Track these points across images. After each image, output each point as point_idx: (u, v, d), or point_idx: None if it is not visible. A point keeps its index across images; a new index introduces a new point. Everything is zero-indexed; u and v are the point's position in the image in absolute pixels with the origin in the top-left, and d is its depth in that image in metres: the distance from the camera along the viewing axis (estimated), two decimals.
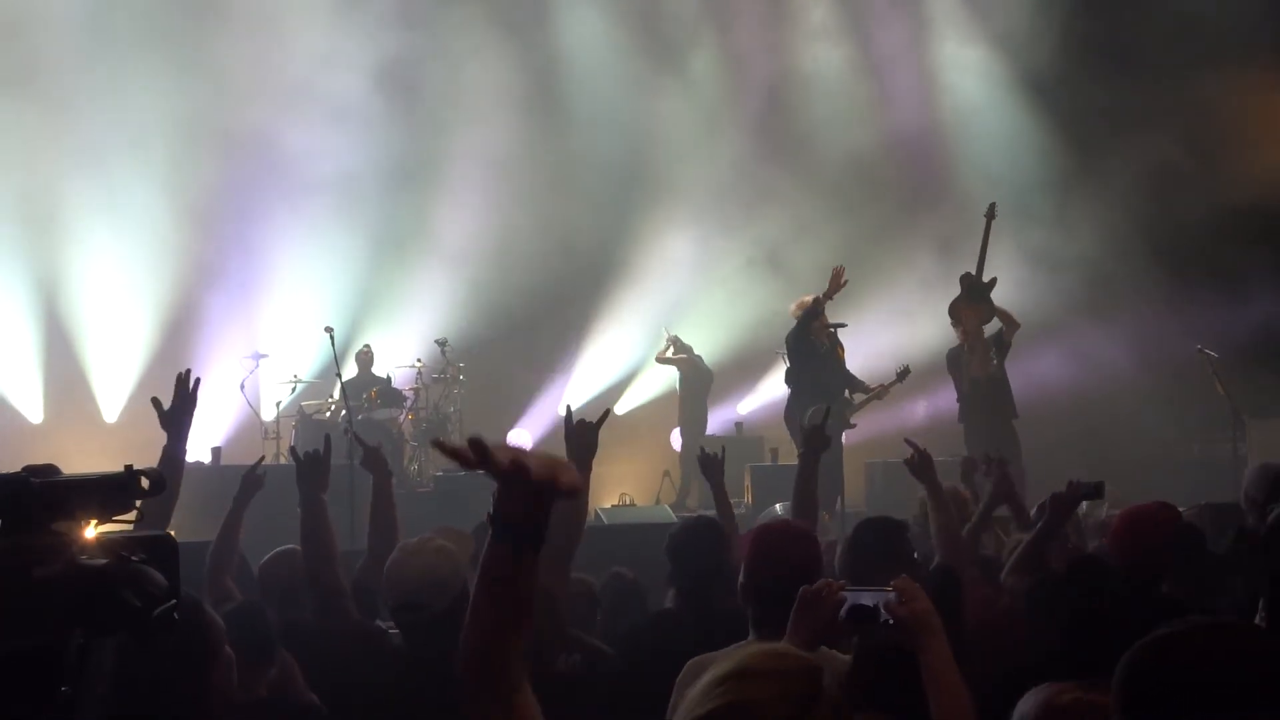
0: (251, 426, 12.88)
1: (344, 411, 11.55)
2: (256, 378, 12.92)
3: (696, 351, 14.12)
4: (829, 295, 10.20)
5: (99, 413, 13.13)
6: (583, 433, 4.04)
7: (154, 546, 1.53)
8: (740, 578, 3.39)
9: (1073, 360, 13.69)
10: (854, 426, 10.70)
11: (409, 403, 13.01)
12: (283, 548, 4.60)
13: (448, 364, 13.22)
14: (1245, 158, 13.29)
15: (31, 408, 13.24)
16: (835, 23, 15.26)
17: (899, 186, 14.76)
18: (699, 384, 13.87)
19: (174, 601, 1.51)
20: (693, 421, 13.73)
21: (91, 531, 1.51)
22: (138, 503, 1.55)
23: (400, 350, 13.46)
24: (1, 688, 1.43)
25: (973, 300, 10.53)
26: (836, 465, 9.74)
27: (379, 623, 4.12)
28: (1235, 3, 13.03)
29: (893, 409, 12.44)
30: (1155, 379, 13.21)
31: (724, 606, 3.82)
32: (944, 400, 11.62)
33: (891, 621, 2.57)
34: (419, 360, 13.34)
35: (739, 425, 14.29)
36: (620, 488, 13.21)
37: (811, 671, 1.50)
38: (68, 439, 11.99)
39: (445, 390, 13.33)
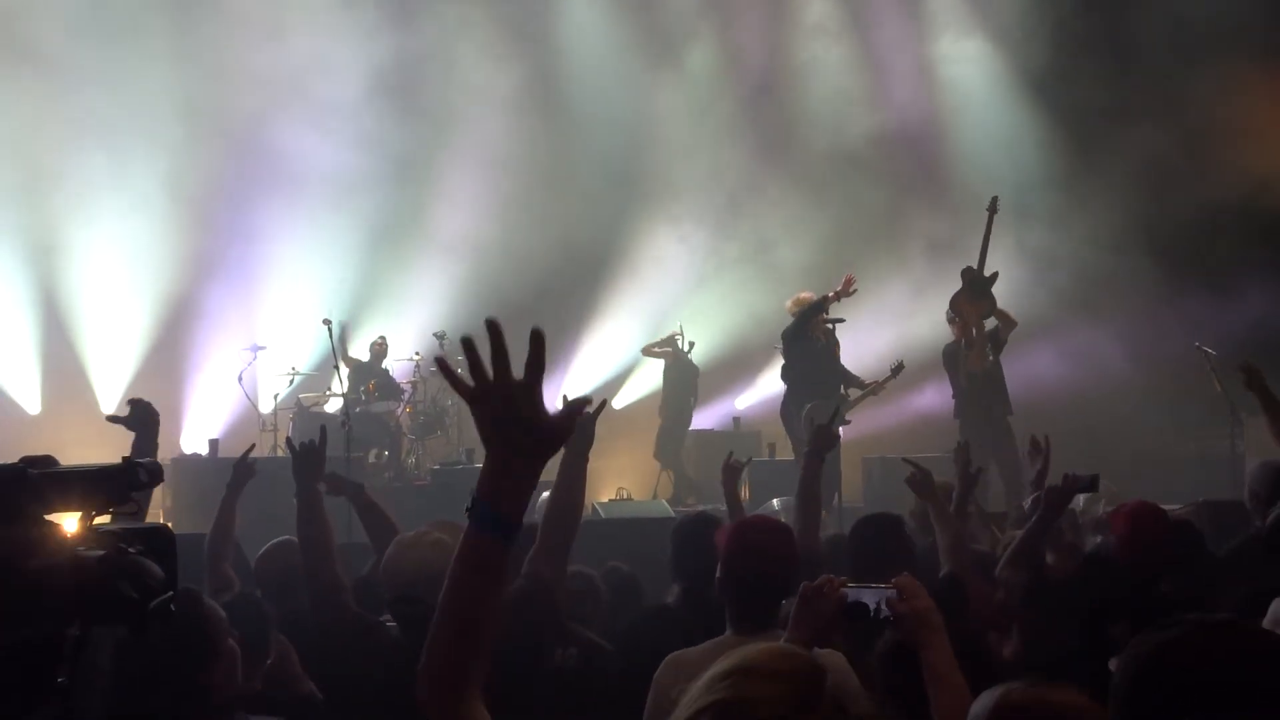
0: (249, 418, 12.88)
1: (341, 404, 11.56)
2: (254, 369, 12.91)
3: (687, 346, 14.03)
4: (837, 297, 10.20)
5: (97, 404, 13.12)
6: (580, 423, 4.04)
7: (151, 538, 1.53)
8: (718, 572, 3.41)
9: (1069, 357, 13.69)
10: (848, 423, 10.70)
11: (406, 395, 13.01)
12: (280, 539, 4.61)
13: (446, 357, 13.19)
14: (1241, 155, 13.28)
15: (29, 399, 13.24)
16: (833, 19, 15.26)
17: (895, 182, 14.75)
18: (680, 376, 13.77)
19: (171, 593, 1.50)
20: (675, 413, 13.63)
21: (86, 522, 1.51)
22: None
23: (398, 343, 13.46)
24: None
25: (974, 295, 10.53)
26: (834, 461, 9.72)
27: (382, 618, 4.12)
28: (1227, 1, 13.03)
29: (889, 405, 12.44)
30: (1152, 376, 13.21)
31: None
32: (940, 396, 11.65)
33: (892, 618, 2.57)
34: (417, 353, 13.34)
35: (736, 420, 14.30)
36: (617, 482, 13.22)
37: (815, 673, 1.48)
38: (65, 430, 11.95)
39: (443, 384, 13.29)
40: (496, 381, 1.70)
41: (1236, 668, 1.58)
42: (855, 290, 10.23)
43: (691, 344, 13.98)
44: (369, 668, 3.65)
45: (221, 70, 12.91)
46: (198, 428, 13.05)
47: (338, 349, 11.20)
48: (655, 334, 14.19)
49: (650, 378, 14.64)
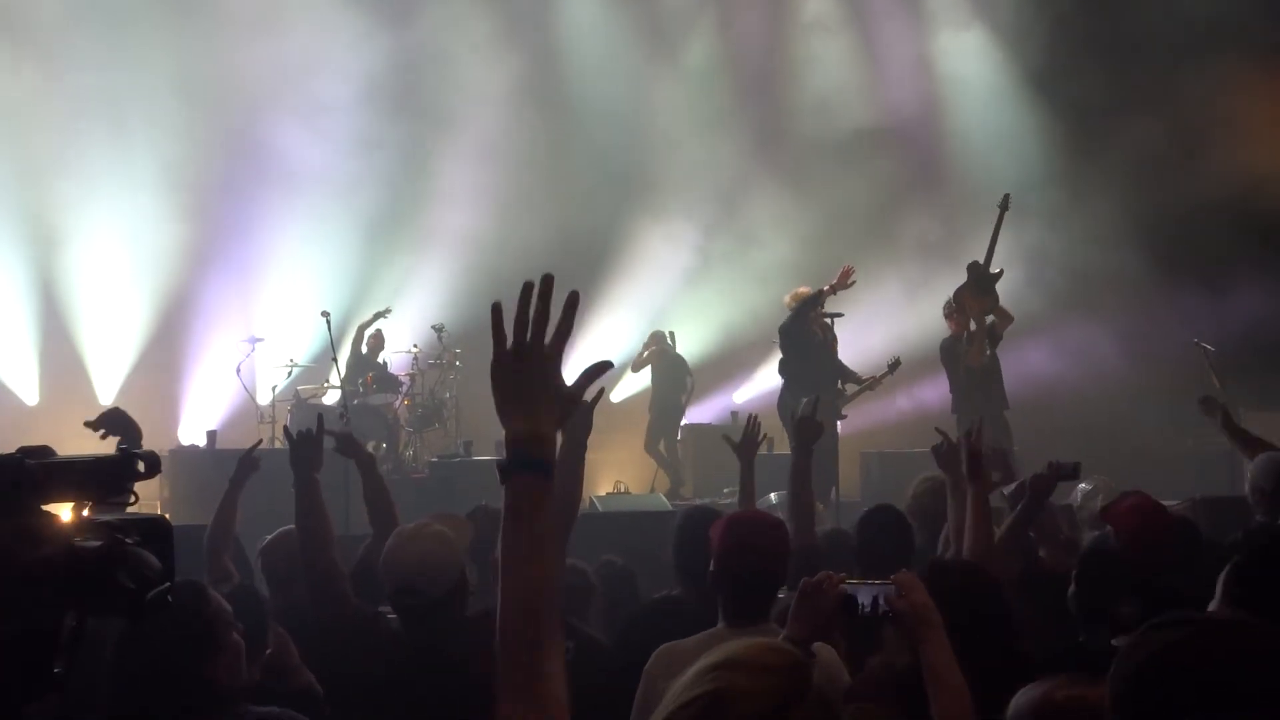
0: (247, 410, 12.88)
1: (339, 395, 11.55)
2: (252, 361, 12.91)
3: (671, 342, 14.01)
4: (834, 290, 10.20)
5: (95, 395, 13.11)
6: (579, 411, 4.03)
7: (149, 529, 1.52)
8: (711, 566, 3.42)
9: (1066, 353, 13.70)
10: (845, 417, 10.72)
11: (405, 388, 13.00)
12: (283, 529, 4.60)
13: (444, 350, 13.20)
14: (1237, 151, 13.27)
15: (27, 390, 13.23)
16: (832, 13, 15.24)
17: (893, 177, 14.74)
18: (666, 371, 13.73)
19: (168, 584, 1.50)
20: (661, 407, 13.60)
21: (83, 513, 1.50)
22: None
23: (397, 336, 13.45)
24: None
25: (979, 290, 10.58)
26: (831, 455, 9.75)
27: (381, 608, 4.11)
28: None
29: (887, 400, 12.45)
30: (1149, 372, 13.21)
31: None
32: (938, 392, 11.67)
33: (891, 614, 2.56)
34: (415, 346, 13.33)
35: (734, 415, 14.29)
36: (615, 475, 13.23)
37: (801, 668, 1.49)
38: (63, 421, 11.89)
39: (441, 376, 13.32)
40: (515, 347, 1.77)
41: (1239, 668, 1.55)
42: (854, 282, 10.22)
43: (671, 334, 13.90)
44: (368, 659, 3.65)
45: (221, 63, 12.89)
46: (195, 420, 13.05)
47: (335, 342, 11.18)
48: (649, 330, 14.11)
49: (648, 372, 14.65)
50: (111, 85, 12.51)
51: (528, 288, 1.78)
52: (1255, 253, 13.28)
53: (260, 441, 5.24)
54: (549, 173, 14.27)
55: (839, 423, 10.41)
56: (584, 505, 6.66)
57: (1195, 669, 1.57)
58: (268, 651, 3.54)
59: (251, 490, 5.13)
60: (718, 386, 14.86)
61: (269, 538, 4.80)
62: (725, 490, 12.14)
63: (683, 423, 13.91)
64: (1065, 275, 13.86)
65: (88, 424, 4.43)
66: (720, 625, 3.33)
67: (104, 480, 1.51)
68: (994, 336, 10.56)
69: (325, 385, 12.56)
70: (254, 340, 12.80)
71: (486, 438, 12.78)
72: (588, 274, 14.47)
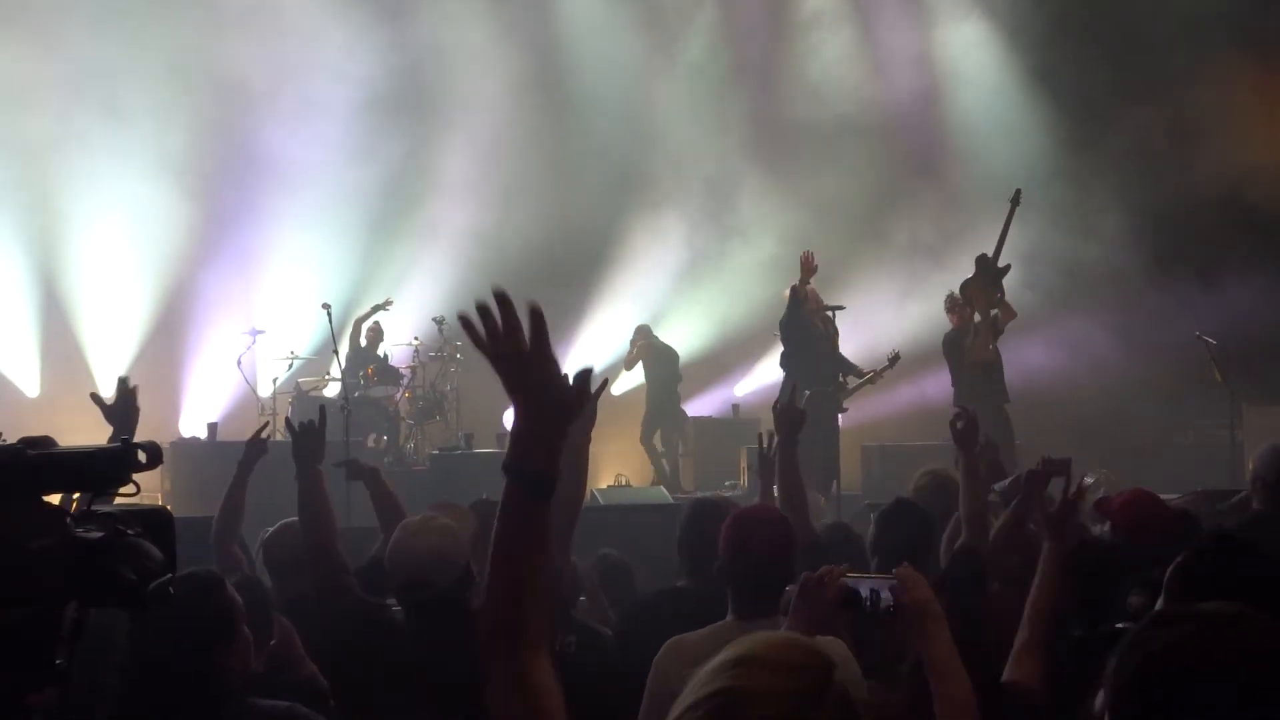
0: (248, 403, 12.88)
1: (339, 388, 11.54)
2: (253, 354, 12.90)
3: (662, 338, 13.96)
4: (804, 280, 10.27)
5: (95, 387, 13.10)
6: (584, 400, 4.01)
7: (150, 520, 1.52)
8: (718, 561, 3.42)
9: (1065, 347, 13.69)
10: (845, 410, 10.72)
11: (405, 381, 13.00)
12: (285, 521, 4.59)
13: (445, 342, 13.20)
14: (1233, 145, 13.27)
15: (28, 381, 13.23)
16: (832, 6, 15.22)
17: (894, 169, 14.74)
18: (656, 365, 13.68)
19: (170, 576, 1.50)
20: (655, 401, 13.57)
21: (84, 504, 1.50)
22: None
23: (397, 328, 13.45)
24: None
25: (986, 284, 10.62)
26: (832, 448, 9.75)
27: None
28: None
29: (888, 394, 12.45)
30: (1151, 365, 13.21)
31: None
32: (939, 385, 11.67)
33: (893, 608, 2.55)
34: (416, 338, 13.33)
35: (735, 408, 14.30)
36: (615, 468, 13.22)
37: (824, 666, 1.44)
38: (64, 413, 11.91)
39: (442, 369, 13.32)
40: (508, 348, 1.77)
41: (1244, 666, 1.53)
42: (817, 266, 10.30)
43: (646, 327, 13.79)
44: (373, 651, 3.66)
45: (223, 55, 12.88)
46: (197, 412, 13.05)
47: (336, 334, 11.18)
48: (635, 327, 13.95)
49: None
50: (112, 76, 12.49)
51: (483, 308, 1.77)
52: (1257, 247, 13.29)
53: (266, 424, 5.19)
54: (549, 166, 14.26)
55: (840, 416, 10.41)
56: (585, 498, 6.65)
57: (1198, 668, 1.53)
58: (272, 643, 3.54)
59: (253, 482, 5.11)
60: (719, 379, 14.85)
61: (271, 530, 4.79)
62: (726, 483, 12.16)
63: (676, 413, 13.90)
64: (1063, 268, 13.85)
65: (96, 398, 4.39)
66: (729, 618, 3.32)
67: (105, 471, 1.51)
68: (995, 330, 10.59)
69: (326, 377, 12.56)
70: (255, 332, 12.80)
71: (487, 430, 12.78)
72: (587, 266, 14.48)
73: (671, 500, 9.23)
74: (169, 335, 13.33)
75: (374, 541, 4.86)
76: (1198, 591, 2.61)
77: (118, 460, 1.51)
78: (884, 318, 13.24)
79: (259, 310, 13.40)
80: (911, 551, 4.29)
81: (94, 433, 4.11)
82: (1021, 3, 14.22)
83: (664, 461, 13.21)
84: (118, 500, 1.53)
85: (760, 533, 3.41)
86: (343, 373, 11.66)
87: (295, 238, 13.46)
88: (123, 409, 4.24)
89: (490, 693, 1.76)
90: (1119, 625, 2.97)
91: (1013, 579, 4.31)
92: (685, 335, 14.36)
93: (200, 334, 13.50)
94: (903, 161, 14.82)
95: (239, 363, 12.66)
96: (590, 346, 14.66)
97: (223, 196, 13.31)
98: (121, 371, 12.86)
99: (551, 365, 1.79)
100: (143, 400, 4.29)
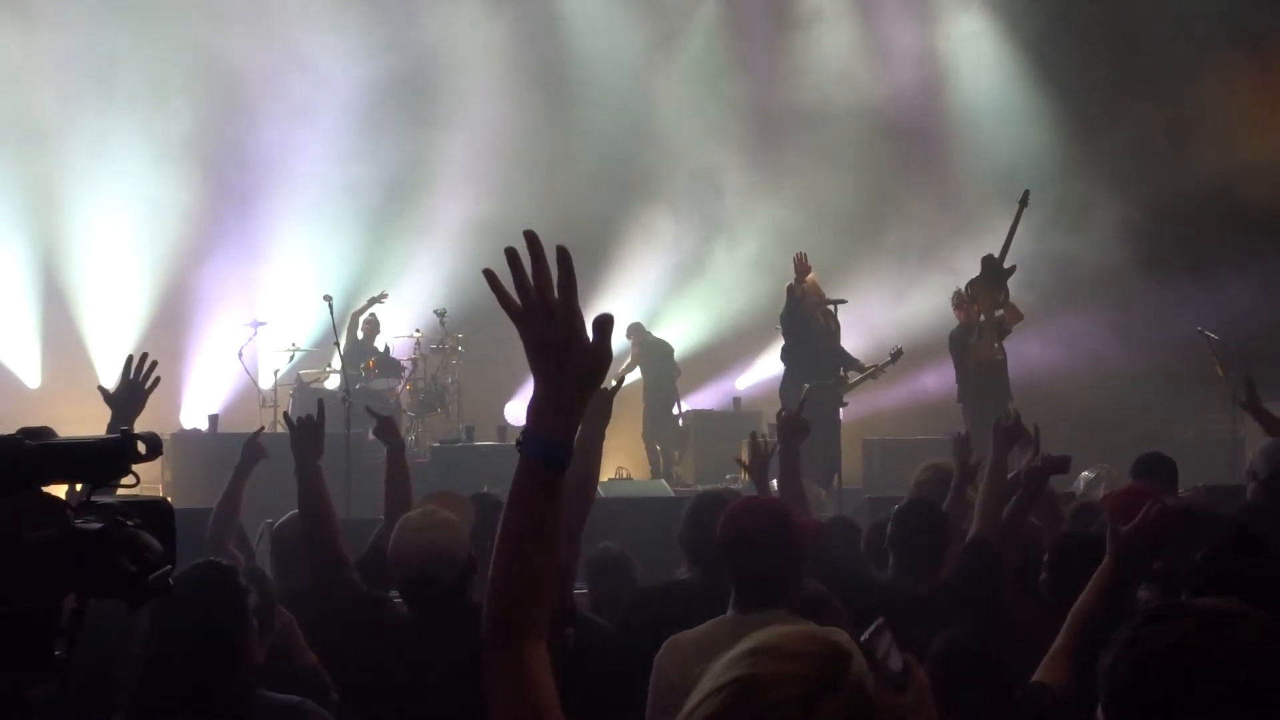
0: (249, 394, 12.88)
1: (340, 380, 11.53)
2: (255, 345, 12.90)
3: (663, 331, 13.93)
4: (799, 280, 10.31)
5: (96, 378, 13.09)
6: (598, 398, 4.01)
7: (150, 511, 1.52)
8: (716, 550, 3.41)
9: (1065, 342, 13.68)
10: (845, 405, 10.72)
11: (406, 373, 12.99)
12: (294, 511, 4.58)
13: (446, 334, 13.19)
14: (1241, 143, 13.26)
15: (29, 373, 13.24)
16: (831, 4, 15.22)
17: (896, 164, 14.72)
18: (650, 361, 13.67)
19: (169, 567, 1.49)
20: (652, 397, 13.57)
21: (83, 495, 1.50)
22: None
23: (398, 320, 13.44)
24: None
25: (991, 285, 10.65)
26: (833, 442, 9.75)
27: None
28: None
29: (890, 388, 12.45)
30: (1152, 360, 13.21)
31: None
32: (941, 380, 11.68)
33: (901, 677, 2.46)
34: (417, 330, 13.32)
35: (737, 401, 14.29)
36: (616, 461, 13.22)
37: (839, 654, 1.44)
38: (65, 404, 11.94)
39: (443, 361, 13.32)
40: (540, 298, 1.72)
41: (1242, 666, 1.51)
42: (810, 268, 10.32)
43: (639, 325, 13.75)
44: (376, 644, 3.65)
45: (224, 48, 12.86)
46: (198, 403, 13.06)
47: (338, 326, 11.17)
48: (627, 325, 13.86)
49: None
50: (112, 69, 12.49)
51: (512, 252, 1.74)
52: (1249, 243, 13.30)
53: (263, 428, 5.15)
54: (550, 157, 14.25)
55: (840, 410, 10.41)
56: None
57: (1200, 667, 1.51)
58: (273, 633, 3.55)
59: (253, 477, 5.11)
60: (720, 373, 14.85)
61: (279, 520, 4.78)
62: (727, 476, 12.15)
63: (685, 409, 13.89)
64: (1063, 263, 13.84)
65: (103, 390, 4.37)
66: (730, 611, 3.32)
67: (104, 462, 1.51)
68: (1002, 330, 10.65)
69: (327, 369, 12.55)
70: (256, 324, 12.79)
71: (488, 423, 12.78)
72: (589, 259, 14.43)
73: (673, 493, 9.23)
74: (170, 326, 13.32)
75: (374, 530, 4.85)
76: (1216, 588, 2.60)
77: (117, 451, 1.50)
78: (885, 313, 13.23)
79: (260, 302, 13.39)
80: (930, 548, 4.30)
81: (95, 423, 4.11)
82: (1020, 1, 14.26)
83: (662, 461, 13.24)
84: (118, 491, 1.53)
85: (757, 521, 3.40)
86: (343, 365, 11.65)
87: (297, 229, 13.46)
88: (126, 394, 4.23)
89: (485, 679, 1.74)
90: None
91: (1015, 573, 4.32)
92: (685, 328, 14.36)
93: (201, 325, 13.50)
94: (903, 155, 14.81)
95: (240, 354, 12.65)
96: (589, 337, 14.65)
97: (225, 187, 13.31)
98: (122, 363, 12.96)
99: (578, 321, 1.74)
100: None
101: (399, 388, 12.85)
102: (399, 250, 14.02)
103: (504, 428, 12.89)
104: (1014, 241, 10.89)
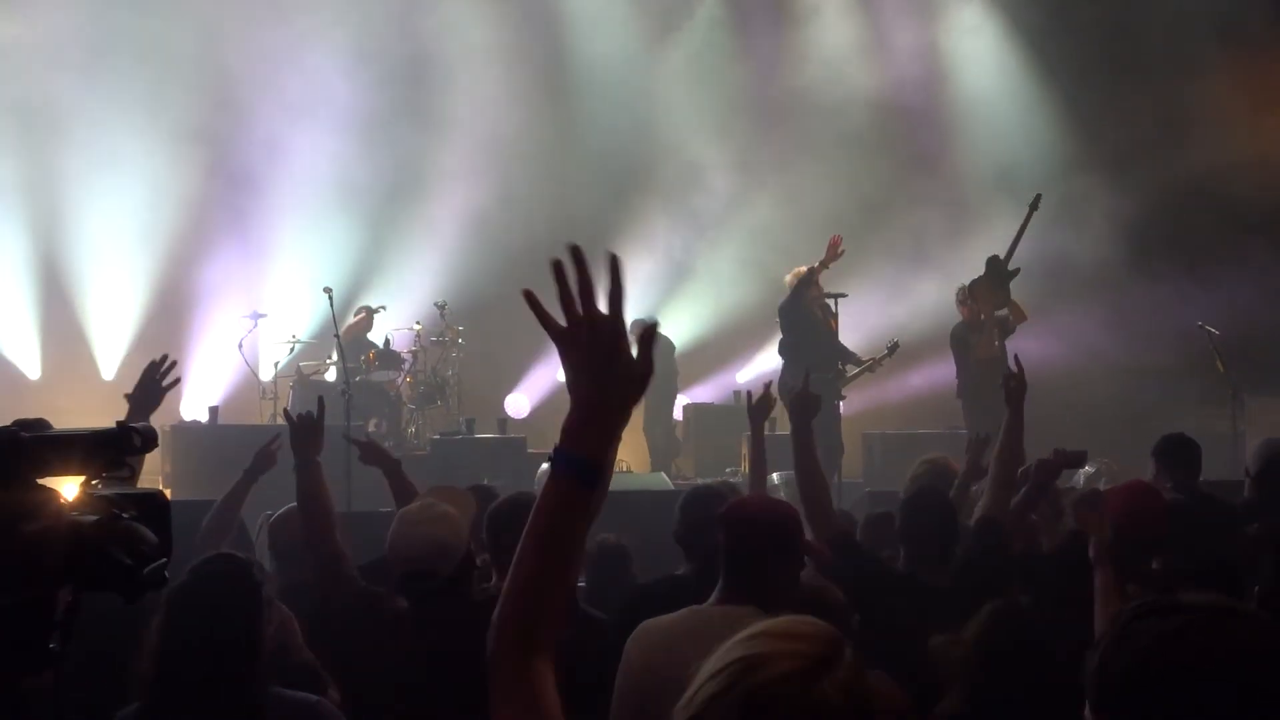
0: (249, 386, 12.87)
1: (339, 372, 11.53)
2: (255, 337, 12.88)
3: (662, 327, 13.91)
4: (824, 264, 10.15)
5: (97, 370, 13.12)
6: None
7: (146, 504, 1.51)
8: (714, 547, 3.41)
9: (1064, 336, 13.66)
10: (844, 398, 10.71)
11: (407, 365, 12.98)
12: (291, 505, 4.58)
13: (446, 327, 13.18)
14: (1234, 140, 13.25)
15: (29, 364, 13.23)
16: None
17: (896, 159, 14.71)
18: (657, 360, 13.65)
19: (165, 559, 1.49)
20: (658, 391, 13.54)
21: (79, 487, 1.49)
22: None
23: (399, 313, 13.43)
24: None
25: (994, 285, 10.66)
26: (834, 435, 9.74)
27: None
28: None
29: (889, 382, 12.44)
30: (1150, 355, 13.20)
31: None
32: (941, 374, 11.67)
33: None
34: (418, 323, 13.31)
35: (737, 394, 14.27)
36: (618, 455, 13.20)
37: (835, 639, 1.46)
38: (65, 396, 11.96)
39: (444, 353, 13.31)
40: (586, 315, 1.67)
41: (1236, 665, 1.49)
42: (843, 252, 10.12)
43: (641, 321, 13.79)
44: (376, 640, 3.65)
45: (225, 40, 12.86)
46: (197, 395, 13.04)
47: (338, 319, 11.16)
48: (631, 322, 13.93)
49: None
50: (114, 63, 12.47)
51: (558, 265, 1.68)
52: (1245, 239, 13.30)
53: (278, 437, 4.97)
54: (551, 150, 14.25)
55: (839, 404, 10.40)
56: None
57: (1197, 665, 1.49)
58: (271, 628, 3.55)
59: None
60: (720, 366, 14.84)
61: (276, 513, 4.76)
62: (727, 470, 12.15)
63: (684, 402, 13.89)
64: (1060, 258, 13.82)
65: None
66: (710, 600, 3.32)
67: (100, 454, 1.50)
68: (1005, 330, 10.66)
69: (327, 362, 12.54)
70: (256, 316, 12.78)
71: (489, 415, 12.78)
72: (590, 252, 14.43)
73: (673, 487, 9.22)
74: (170, 318, 13.31)
75: (375, 526, 4.83)
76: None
77: (113, 444, 1.50)
78: (885, 307, 13.22)
79: (260, 294, 13.38)
80: (939, 538, 4.30)
81: (95, 415, 4.10)
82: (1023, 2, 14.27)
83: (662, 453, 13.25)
84: (114, 484, 1.53)
85: (755, 526, 3.38)
86: (342, 357, 11.64)
87: (297, 221, 13.45)
88: (143, 392, 4.22)
89: (491, 688, 1.69)
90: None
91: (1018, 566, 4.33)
92: (685, 322, 14.35)
93: (202, 317, 13.49)
94: (903, 150, 14.79)
95: (240, 346, 12.64)
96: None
97: (226, 178, 13.29)
98: (122, 354, 13.00)
99: (624, 334, 1.69)
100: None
101: (399, 380, 12.84)
102: (400, 242, 14.01)
103: (504, 420, 12.89)
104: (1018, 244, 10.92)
